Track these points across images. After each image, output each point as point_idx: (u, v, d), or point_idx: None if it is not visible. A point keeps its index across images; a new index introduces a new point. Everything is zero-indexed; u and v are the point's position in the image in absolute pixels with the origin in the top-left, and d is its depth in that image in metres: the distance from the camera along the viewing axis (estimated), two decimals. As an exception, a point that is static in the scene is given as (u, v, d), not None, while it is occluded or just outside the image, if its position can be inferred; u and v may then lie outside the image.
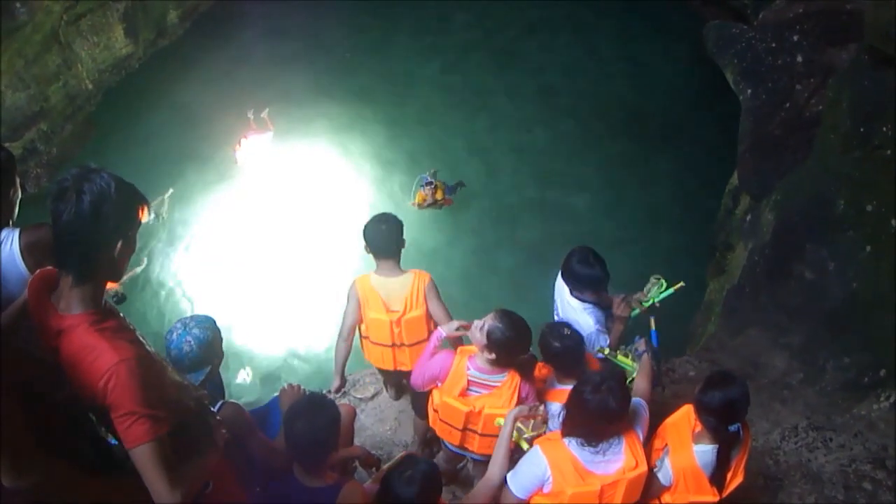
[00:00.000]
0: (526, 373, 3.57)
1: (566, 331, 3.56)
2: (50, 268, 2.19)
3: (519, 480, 3.08)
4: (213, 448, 2.51)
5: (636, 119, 10.41)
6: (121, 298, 8.27)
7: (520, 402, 3.45)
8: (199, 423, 2.46)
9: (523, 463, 3.12)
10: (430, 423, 3.85)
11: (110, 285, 7.39)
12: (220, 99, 9.92)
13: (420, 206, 9.00)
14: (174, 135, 9.68)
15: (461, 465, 4.26)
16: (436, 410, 3.68)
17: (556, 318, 4.18)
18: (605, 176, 9.75)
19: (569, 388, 3.40)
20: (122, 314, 2.26)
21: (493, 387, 3.48)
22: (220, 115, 9.61)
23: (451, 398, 3.53)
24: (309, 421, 2.82)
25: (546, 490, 3.01)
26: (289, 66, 10.67)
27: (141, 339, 2.24)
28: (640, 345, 3.82)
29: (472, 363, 3.51)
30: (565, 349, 3.51)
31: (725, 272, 7.34)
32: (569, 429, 3.02)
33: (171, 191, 8.87)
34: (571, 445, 2.98)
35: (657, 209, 9.34)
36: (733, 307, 6.59)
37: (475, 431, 3.58)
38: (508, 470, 3.15)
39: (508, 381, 3.45)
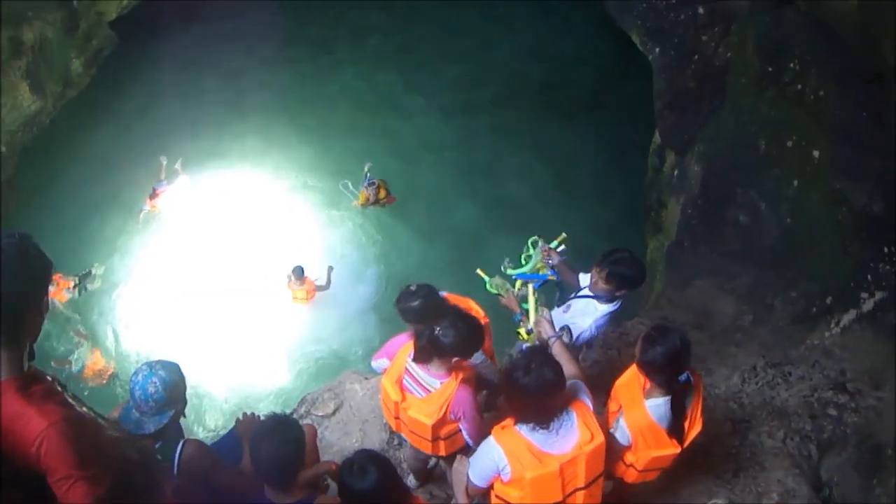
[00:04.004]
0: (467, 393, 3.35)
1: (413, 287, 3.54)
2: None
3: (476, 470, 3.03)
4: (160, 497, 2.48)
5: (550, 95, 10.50)
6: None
7: (445, 418, 3.33)
8: (143, 474, 2.43)
9: (479, 454, 3.05)
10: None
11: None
12: (136, 142, 9.65)
13: (364, 205, 8.92)
14: (96, 185, 9.33)
15: (432, 464, 4.16)
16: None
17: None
18: (529, 156, 9.80)
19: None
20: (49, 376, 2.18)
21: (427, 390, 3.37)
22: (139, 159, 9.33)
23: (387, 381, 3.49)
24: (275, 441, 2.77)
25: (506, 479, 2.93)
26: (201, 97, 10.41)
27: (71, 400, 2.17)
28: (544, 326, 3.65)
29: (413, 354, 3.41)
30: (424, 301, 3.46)
31: (662, 230, 7.44)
32: (517, 417, 2.95)
33: (98, 267, 8.51)
34: (524, 431, 2.91)
35: (586, 180, 9.42)
36: (675, 262, 6.68)
37: (405, 424, 3.51)
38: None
39: (442, 391, 3.32)
